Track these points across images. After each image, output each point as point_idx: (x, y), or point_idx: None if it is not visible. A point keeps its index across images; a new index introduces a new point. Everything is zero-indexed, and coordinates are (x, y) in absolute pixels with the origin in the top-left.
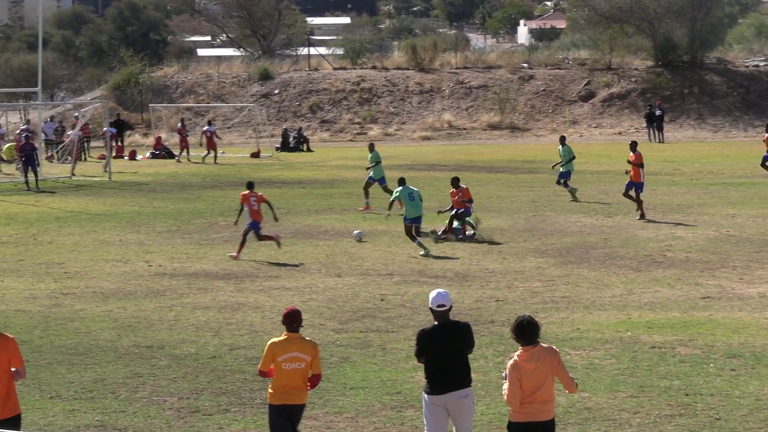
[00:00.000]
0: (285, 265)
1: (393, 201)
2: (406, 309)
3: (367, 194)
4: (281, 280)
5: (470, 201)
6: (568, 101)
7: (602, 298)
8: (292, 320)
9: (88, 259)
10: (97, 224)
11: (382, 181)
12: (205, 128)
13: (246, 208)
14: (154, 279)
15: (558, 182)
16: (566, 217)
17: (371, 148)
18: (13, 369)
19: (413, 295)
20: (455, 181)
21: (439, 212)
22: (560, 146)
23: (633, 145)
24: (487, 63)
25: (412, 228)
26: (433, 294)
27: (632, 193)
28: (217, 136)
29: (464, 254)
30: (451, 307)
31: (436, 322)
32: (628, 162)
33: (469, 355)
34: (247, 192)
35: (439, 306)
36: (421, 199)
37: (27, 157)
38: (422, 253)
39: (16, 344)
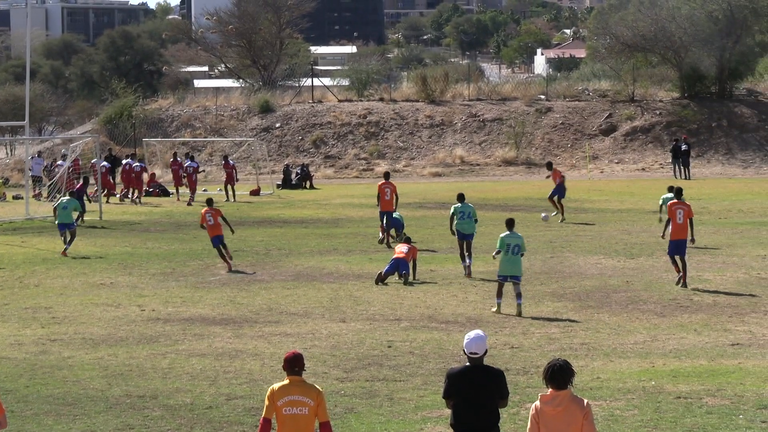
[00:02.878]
0: (285, 311)
1: (452, 217)
2: (415, 356)
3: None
4: (282, 325)
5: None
6: (588, 135)
7: (624, 345)
8: (294, 364)
9: (77, 304)
10: (86, 266)
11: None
12: (187, 164)
13: (205, 227)
14: (147, 324)
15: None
16: (586, 258)
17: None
18: None
19: (422, 342)
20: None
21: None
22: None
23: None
24: (501, 94)
25: (464, 244)
26: (469, 336)
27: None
28: (197, 172)
29: (477, 297)
30: (486, 352)
31: (467, 364)
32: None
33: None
34: (205, 209)
35: (472, 353)
36: (475, 219)
37: None
38: (466, 273)
39: None
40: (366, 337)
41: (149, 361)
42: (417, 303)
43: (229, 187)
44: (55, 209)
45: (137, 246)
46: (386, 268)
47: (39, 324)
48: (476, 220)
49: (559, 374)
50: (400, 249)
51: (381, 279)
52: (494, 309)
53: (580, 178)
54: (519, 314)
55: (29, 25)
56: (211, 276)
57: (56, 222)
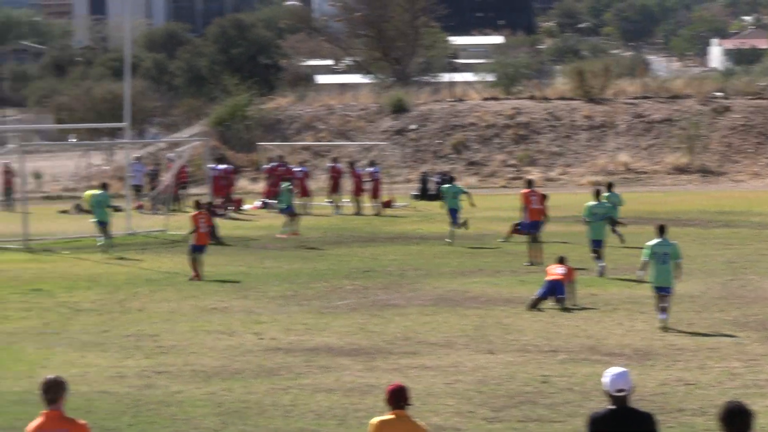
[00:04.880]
0: (423, 341)
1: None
2: (574, 393)
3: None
4: (420, 357)
5: None
6: None
7: None
8: (399, 397)
9: (186, 331)
10: (196, 288)
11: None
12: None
13: (194, 231)
14: (265, 355)
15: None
16: None
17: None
18: None
19: (583, 377)
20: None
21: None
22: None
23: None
24: (671, 91)
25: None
26: (610, 373)
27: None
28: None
29: (645, 326)
30: (631, 389)
31: (611, 407)
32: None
33: None
34: (197, 213)
35: (618, 390)
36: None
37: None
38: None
39: None
40: (517, 371)
41: (269, 396)
42: (576, 332)
43: (359, 197)
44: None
45: (254, 265)
46: (540, 291)
47: (143, 354)
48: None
49: (739, 417)
50: (555, 270)
51: (534, 304)
52: (660, 325)
53: (764, 188)
54: (664, 328)
55: (129, 13)
56: (338, 300)
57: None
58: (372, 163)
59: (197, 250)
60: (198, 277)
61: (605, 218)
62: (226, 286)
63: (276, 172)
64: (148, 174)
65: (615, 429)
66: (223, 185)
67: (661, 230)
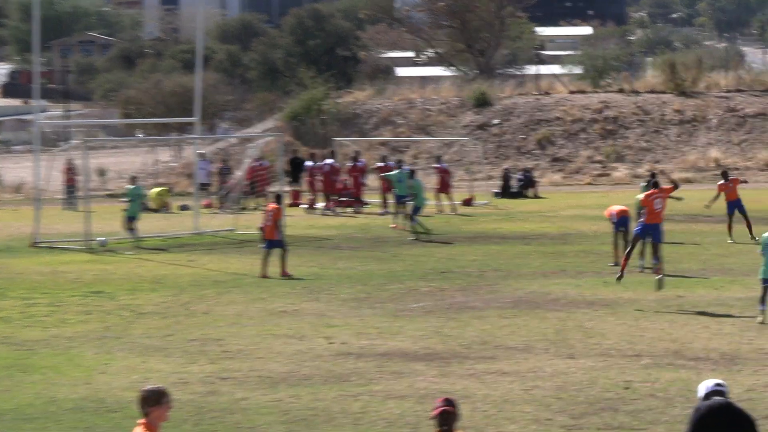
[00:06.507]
0: (501, 345)
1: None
2: (658, 400)
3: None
4: (498, 361)
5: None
6: None
7: None
8: (444, 420)
9: (254, 335)
10: (265, 290)
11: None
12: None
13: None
14: (335, 360)
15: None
16: None
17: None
18: None
19: (666, 383)
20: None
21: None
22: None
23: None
24: (766, 85)
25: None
26: (706, 382)
27: None
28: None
29: (733, 329)
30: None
31: (718, 399)
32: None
33: None
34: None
35: (719, 384)
36: None
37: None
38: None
39: None
40: (599, 377)
41: (338, 403)
42: (660, 336)
43: (442, 195)
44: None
45: (326, 266)
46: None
47: (208, 359)
48: None
49: None
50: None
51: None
52: (759, 319)
53: None
54: (763, 322)
55: (202, 3)
56: (413, 302)
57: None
58: (438, 158)
59: (265, 245)
60: (264, 275)
61: None
62: (297, 287)
63: (355, 170)
64: (220, 171)
65: (722, 424)
66: (332, 180)
67: None
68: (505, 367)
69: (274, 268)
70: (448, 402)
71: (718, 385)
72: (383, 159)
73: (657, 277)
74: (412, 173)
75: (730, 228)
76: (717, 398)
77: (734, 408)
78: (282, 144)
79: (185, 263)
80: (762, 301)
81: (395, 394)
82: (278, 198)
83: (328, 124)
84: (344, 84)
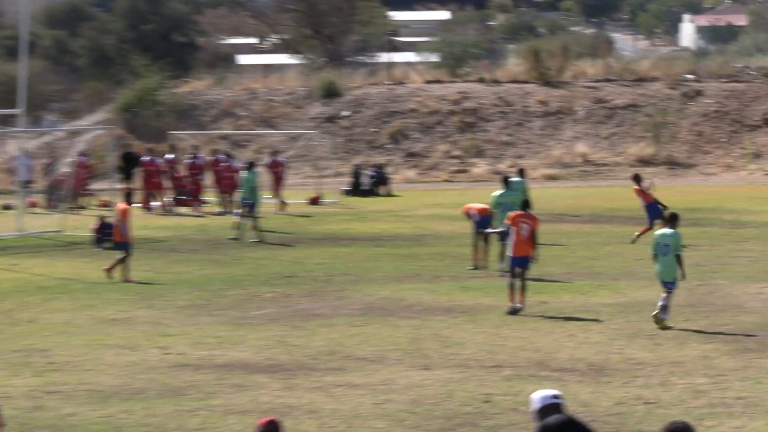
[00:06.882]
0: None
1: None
2: (520, 414)
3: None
4: (347, 373)
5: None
6: (750, 126)
7: None
8: None
9: (83, 345)
10: (95, 296)
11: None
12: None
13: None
14: (171, 372)
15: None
16: (744, 286)
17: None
18: None
19: (529, 396)
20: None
21: None
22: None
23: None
24: (637, 74)
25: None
26: (537, 393)
27: None
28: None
29: (601, 338)
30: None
31: (561, 416)
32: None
33: None
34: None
35: (555, 397)
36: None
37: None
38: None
39: None
40: (456, 390)
41: (174, 419)
42: (523, 345)
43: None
44: None
45: (161, 270)
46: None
47: (33, 371)
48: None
49: None
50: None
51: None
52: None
53: (738, 182)
54: (663, 328)
55: None
56: (255, 309)
57: None
58: (275, 152)
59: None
60: (110, 273)
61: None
62: (130, 293)
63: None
64: (45, 168)
65: None
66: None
67: (670, 219)
68: (355, 379)
69: (103, 272)
70: (272, 425)
71: (555, 397)
72: (214, 153)
73: (517, 306)
74: (250, 166)
75: (644, 231)
76: (559, 416)
77: (578, 424)
78: (114, 138)
79: (8, 267)
80: (668, 306)
81: (236, 409)
82: (128, 196)
83: (163, 116)
84: (181, 73)
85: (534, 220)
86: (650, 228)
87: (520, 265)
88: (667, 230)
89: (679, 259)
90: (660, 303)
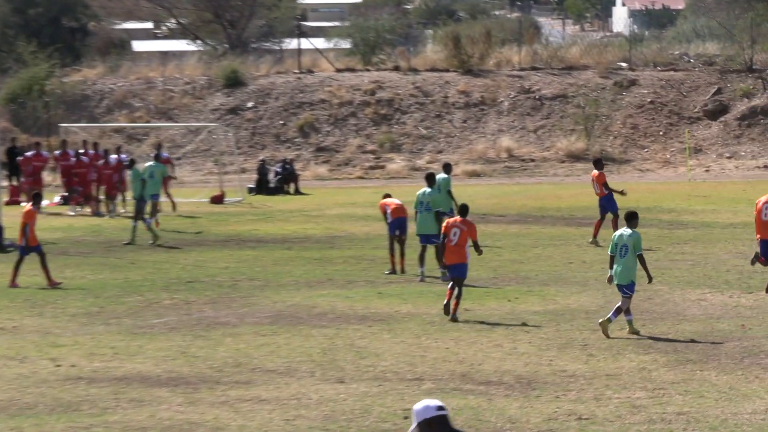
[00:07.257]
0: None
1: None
2: None
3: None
4: (254, 387)
5: None
6: (689, 119)
7: (738, 415)
8: None
9: None
10: None
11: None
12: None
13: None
14: (63, 386)
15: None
16: (684, 292)
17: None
18: None
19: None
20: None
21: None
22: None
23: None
24: (566, 62)
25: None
26: (420, 402)
27: None
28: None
29: (530, 348)
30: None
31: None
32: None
33: None
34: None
35: (440, 408)
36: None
37: None
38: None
39: None
40: (373, 404)
41: None
42: (445, 356)
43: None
44: None
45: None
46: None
47: None
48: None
49: None
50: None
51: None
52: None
53: (676, 179)
54: (634, 332)
55: None
56: (154, 318)
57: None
58: (159, 146)
59: (25, 251)
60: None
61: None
62: (17, 300)
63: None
64: None
65: None
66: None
67: (628, 218)
68: (264, 393)
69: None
70: None
71: (440, 408)
72: (95, 146)
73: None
74: (132, 162)
75: (598, 226)
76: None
77: None
78: None
79: None
80: (623, 311)
81: (134, 426)
82: (36, 197)
83: (52, 107)
84: (71, 60)
85: (470, 226)
86: (602, 220)
87: (452, 272)
88: (625, 230)
89: (642, 260)
90: (612, 311)
